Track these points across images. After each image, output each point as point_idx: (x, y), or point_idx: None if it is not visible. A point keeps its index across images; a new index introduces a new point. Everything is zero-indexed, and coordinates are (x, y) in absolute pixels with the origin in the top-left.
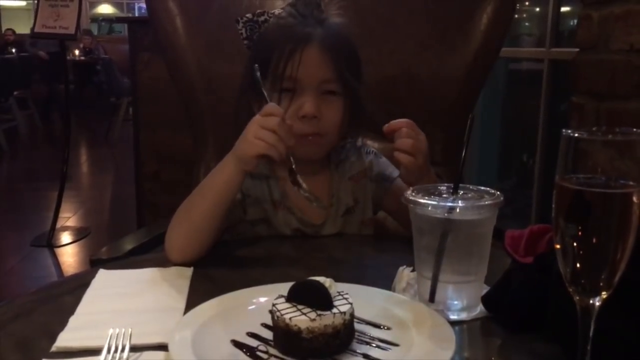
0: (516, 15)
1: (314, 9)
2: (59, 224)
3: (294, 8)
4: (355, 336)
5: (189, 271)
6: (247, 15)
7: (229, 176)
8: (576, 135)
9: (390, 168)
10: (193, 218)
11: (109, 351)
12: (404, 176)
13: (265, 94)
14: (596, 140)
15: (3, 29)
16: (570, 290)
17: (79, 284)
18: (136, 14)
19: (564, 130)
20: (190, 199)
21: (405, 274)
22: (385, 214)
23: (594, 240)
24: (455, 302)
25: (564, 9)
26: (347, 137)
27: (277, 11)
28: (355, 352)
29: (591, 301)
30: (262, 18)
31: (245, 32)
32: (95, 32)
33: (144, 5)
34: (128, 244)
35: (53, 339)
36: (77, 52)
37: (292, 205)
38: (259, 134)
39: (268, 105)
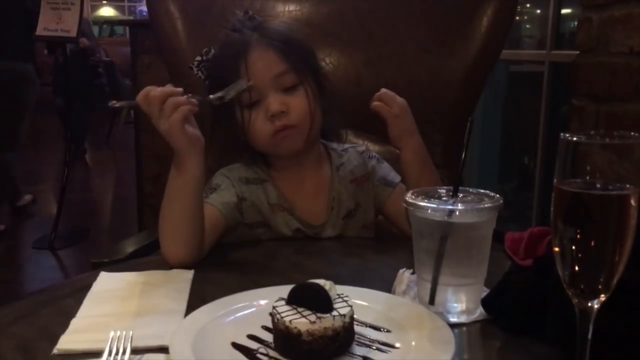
0: (517, 17)
1: (247, 20)
2: (60, 226)
3: (229, 29)
4: (355, 339)
5: (189, 274)
6: (197, 58)
7: (188, 169)
8: (574, 139)
9: (392, 173)
10: (170, 222)
11: (110, 354)
12: (389, 132)
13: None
14: (594, 144)
15: None
16: (569, 292)
17: (80, 286)
18: (137, 17)
19: (562, 134)
20: (162, 205)
21: (405, 276)
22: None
23: (593, 244)
24: (455, 305)
25: (564, 11)
26: (339, 138)
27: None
28: (355, 354)
29: (589, 304)
30: (211, 54)
31: (202, 74)
32: (97, 35)
33: (145, 8)
34: (129, 247)
35: (54, 341)
36: None
37: (290, 206)
38: (159, 116)
39: (139, 95)
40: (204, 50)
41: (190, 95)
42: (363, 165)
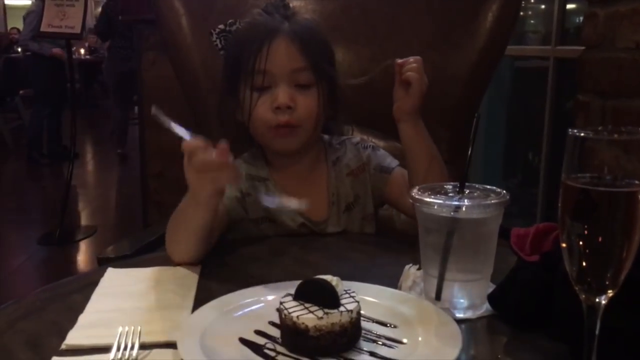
0: (521, 13)
1: (281, 8)
2: (65, 222)
3: (262, 10)
4: (362, 334)
5: (196, 269)
6: (220, 26)
7: (199, 206)
8: (582, 134)
9: (388, 159)
10: (181, 234)
11: (118, 349)
12: (404, 103)
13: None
14: (602, 139)
15: (8, 28)
16: (576, 288)
17: (88, 282)
18: None
19: (570, 130)
20: (174, 218)
21: (411, 272)
22: (392, 210)
23: (600, 239)
24: (462, 301)
25: (569, 6)
26: (341, 134)
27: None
28: (362, 350)
29: (597, 300)
30: (234, 27)
31: (220, 43)
32: (95, 29)
33: None
34: (135, 243)
35: (63, 336)
36: (82, 51)
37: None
38: (194, 169)
39: (184, 144)
40: (229, 21)
41: (236, 159)
42: (358, 156)
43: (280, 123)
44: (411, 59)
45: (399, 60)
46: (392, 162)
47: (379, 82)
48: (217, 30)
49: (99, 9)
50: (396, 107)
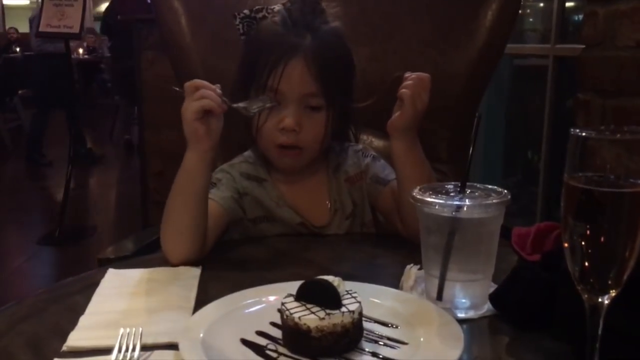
0: (520, 11)
1: (309, 13)
2: (65, 223)
3: (290, 9)
4: (364, 335)
5: (197, 270)
6: (245, 11)
7: (190, 165)
8: (584, 134)
9: (387, 170)
10: (173, 219)
11: (119, 350)
12: (396, 119)
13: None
14: (604, 139)
15: (7, 28)
16: (579, 288)
17: (89, 283)
18: None
19: (572, 130)
20: (167, 202)
21: (412, 272)
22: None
23: (603, 239)
24: (463, 300)
25: (568, 4)
26: (345, 143)
27: (276, 7)
28: (364, 350)
29: (600, 299)
30: (260, 15)
31: (243, 28)
32: (99, 31)
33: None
34: (135, 243)
35: (64, 338)
36: (81, 50)
37: (291, 205)
38: (187, 98)
39: (186, 85)
40: (256, 7)
41: (224, 98)
42: (357, 164)
43: (284, 143)
44: (414, 74)
45: (407, 73)
46: (389, 174)
47: (378, 82)
48: (242, 15)
49: (98, 9)
50: (389, 122)
